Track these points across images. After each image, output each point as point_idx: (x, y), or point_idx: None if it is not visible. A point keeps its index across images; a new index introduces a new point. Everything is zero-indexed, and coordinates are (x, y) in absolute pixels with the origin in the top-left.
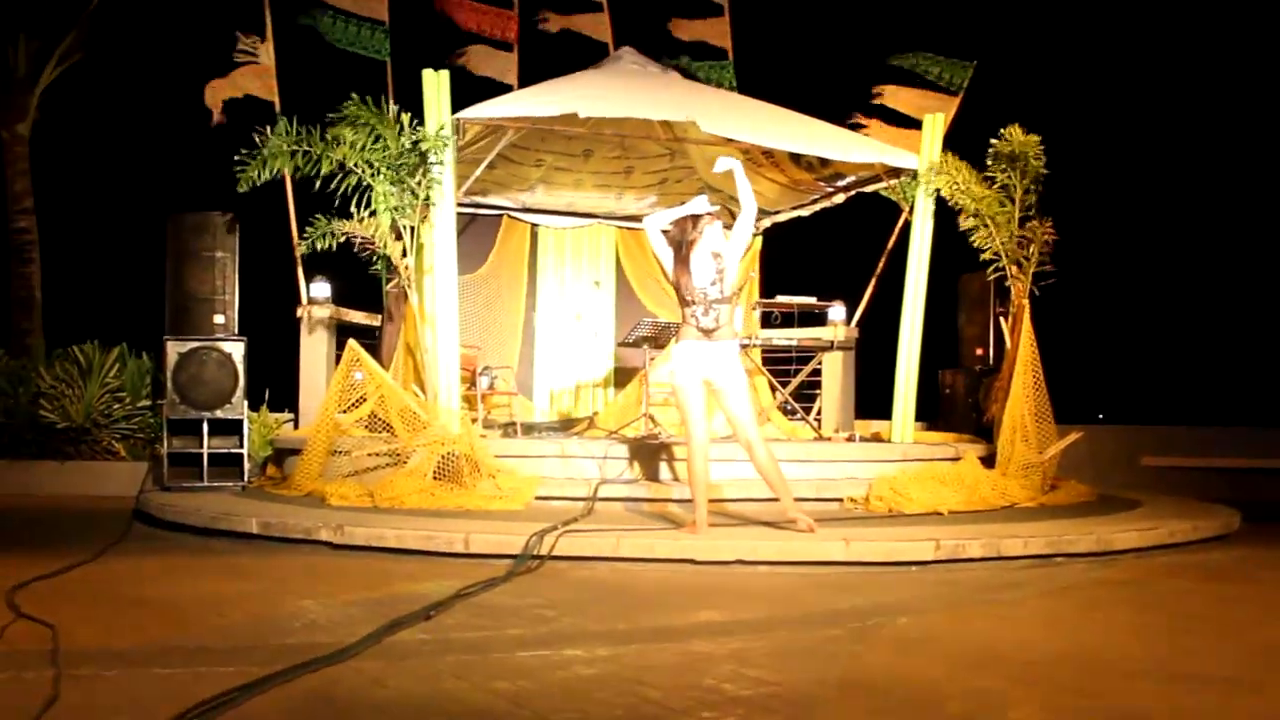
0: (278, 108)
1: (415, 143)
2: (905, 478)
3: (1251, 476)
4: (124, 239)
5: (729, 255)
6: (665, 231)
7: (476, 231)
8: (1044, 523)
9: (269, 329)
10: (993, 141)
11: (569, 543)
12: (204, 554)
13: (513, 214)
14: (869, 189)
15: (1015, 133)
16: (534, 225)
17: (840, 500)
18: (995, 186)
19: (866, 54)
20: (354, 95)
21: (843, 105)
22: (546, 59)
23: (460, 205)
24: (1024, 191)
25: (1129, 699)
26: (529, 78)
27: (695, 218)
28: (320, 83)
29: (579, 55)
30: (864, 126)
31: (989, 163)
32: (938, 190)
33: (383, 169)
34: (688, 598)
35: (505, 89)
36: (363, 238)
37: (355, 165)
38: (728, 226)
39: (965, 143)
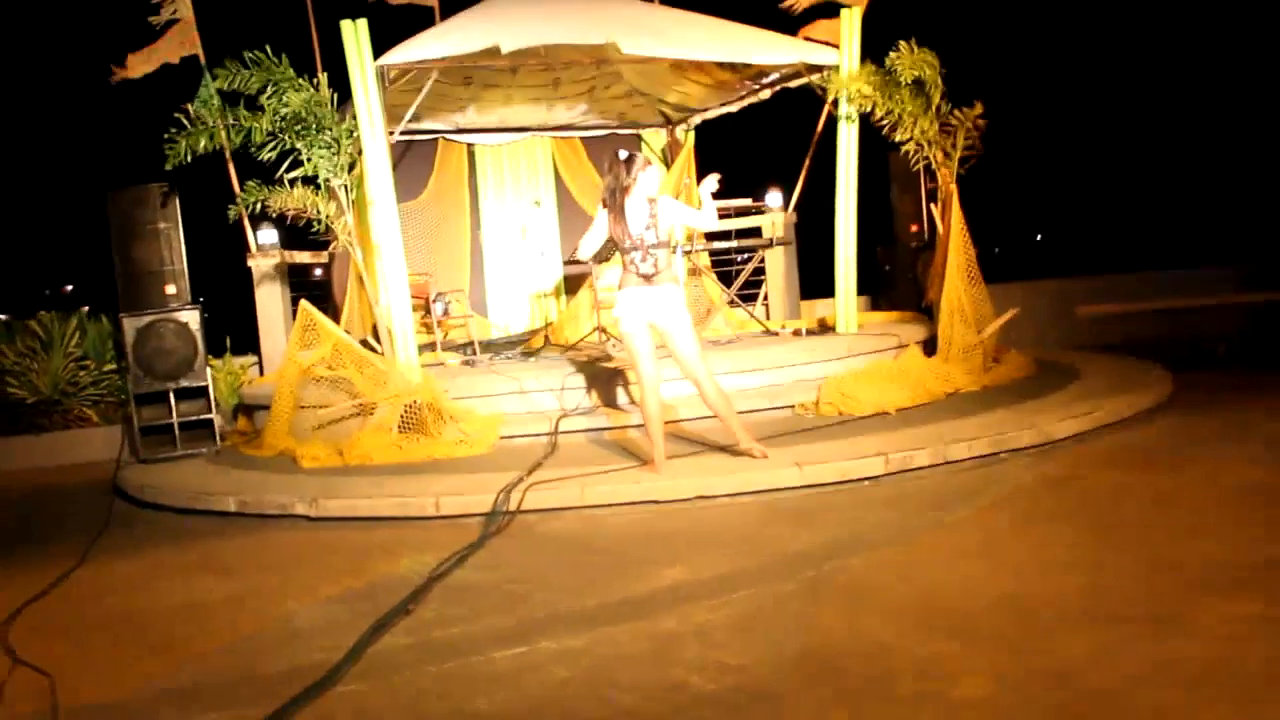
0: (203, 60)
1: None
2: (852, 379)
3: (1177, 314)
4: (59, 210)
5: (664, 205)
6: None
7: (414, 157)
8: (988, 415)
9: (223, 274)
10: (889, 58)
11: (535, 496)
12: (186, 541)
13: (447, 136)
14: (794, 84)
15: (906, 55)
16: (470, 145)
17: (792, 407)
18: (908, 84)
19: None
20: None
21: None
22: None
23: (393, 131)
24: (939, 93)
25: (1065, 653)
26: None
27: (628, 163)
28: (241, 28)
29: None
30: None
31: (888, 77)
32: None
33: (311, 137)
34: (653, 549)
35: (426, 12)
36: (295, 210)
37: (279, 133)
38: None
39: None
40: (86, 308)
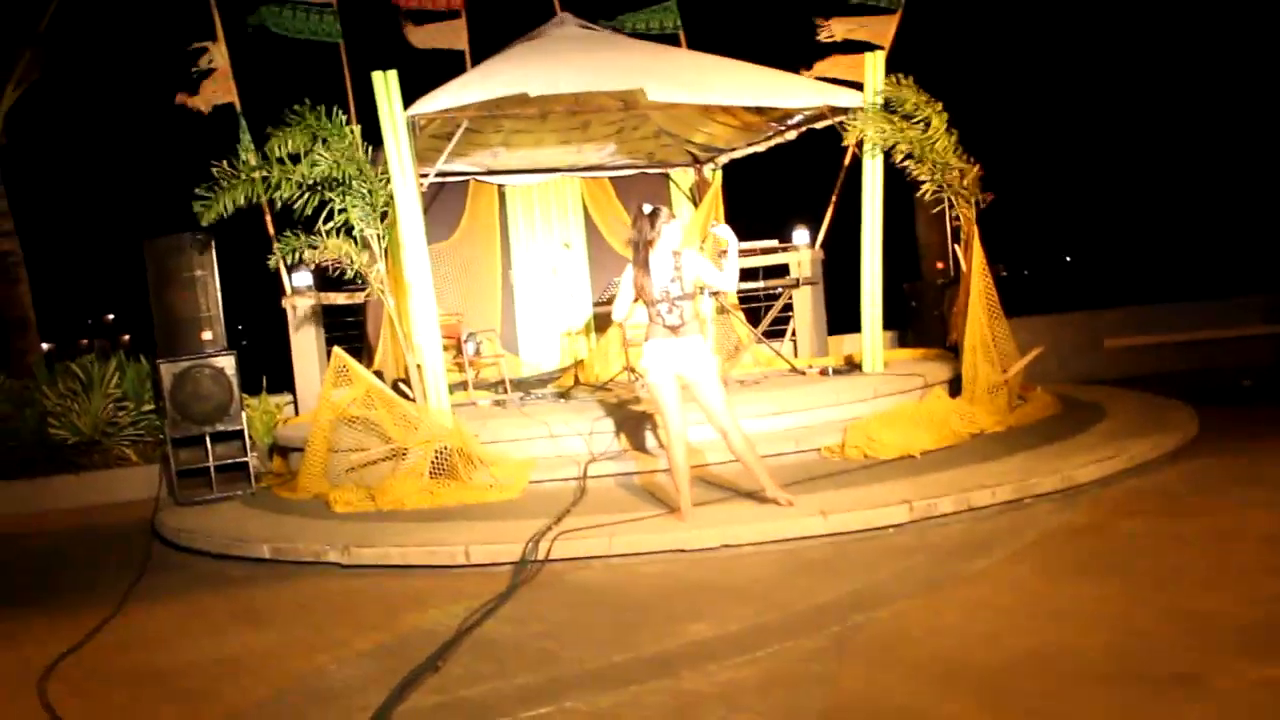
0: (238, 108)
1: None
2: (878, 421)
3: (1204, 346)
4: (99, 252)
5: (687, 259)
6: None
7: (446, 198)
8: (1012, 459)
9: (260, 313)
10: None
11: (564, 545)
12: (220, 588)
13: (479, 178)
14: (819, 125)
15: (909, 94)
16: (500, 186)
17: (818, 450)
18: (920, 122)
19: None
20: (309, 103)
21: (788, 33)
22: (490, 16)
23: (425, 174)
24: (943, 125)
25: (1084, 713)
26: (480, 37)
27: (652, 217)
28: (279, 75)
29: (528, 11)
30: (828, 28)
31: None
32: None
33: (345, 188)
34: (679, 603)
35: (457, 56)
36: (331, 261)
37: (316, 185)
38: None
39: (916, 50)
40: (127, 337)
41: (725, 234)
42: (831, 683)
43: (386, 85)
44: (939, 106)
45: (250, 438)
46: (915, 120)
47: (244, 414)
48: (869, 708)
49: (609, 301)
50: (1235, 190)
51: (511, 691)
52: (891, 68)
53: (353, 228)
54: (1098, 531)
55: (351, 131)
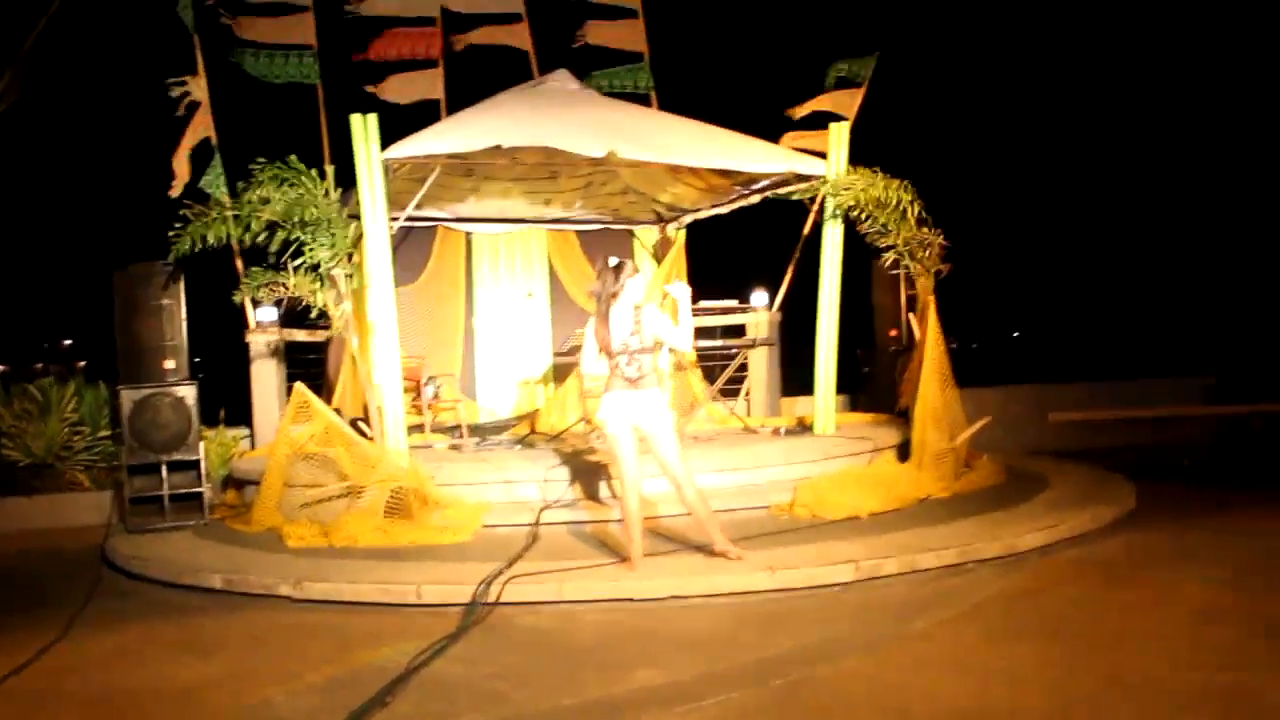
0: (214, 141)
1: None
2: (827, 482)
3: (1145, 424)
4: (60, 276)
5: (647, 314)
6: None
7: (413, 242)
8: (956, 524)
9: (221, 346)
10: (863, 190)
11: (515, 589)
12: (170, 617)
13: (447, 224)
14: (782, 191)
15: (879, 184)
16: (468, 234)
17: (768, 507)
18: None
19: (778, 47)
20: (287, 159)
21: (754, 96)
22: (471, 69)
23: (395, 218)
24: (910, 199)
25: None
26: (455, 89)
27: (616, 270)
28: (256, 107)
29: (502, 64)
30: (781, 135)
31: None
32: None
33: (314, 228)
34: (628, 650)
35: (434, 105)
36: (295, 296)
37: (284, 224)
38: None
39: (876, 125)
40: (83, 363)
41: (678, 292)
42: None
43: (365, 129)
44: (906, 183)
45: (205, 470)
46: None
47: (201, 445)
48: None
49: (569, 352)
50: (1183, 275)
51: None
52: (855, 141)
53: (319, 265)
54: (1038, 597)
55: (324, 175)
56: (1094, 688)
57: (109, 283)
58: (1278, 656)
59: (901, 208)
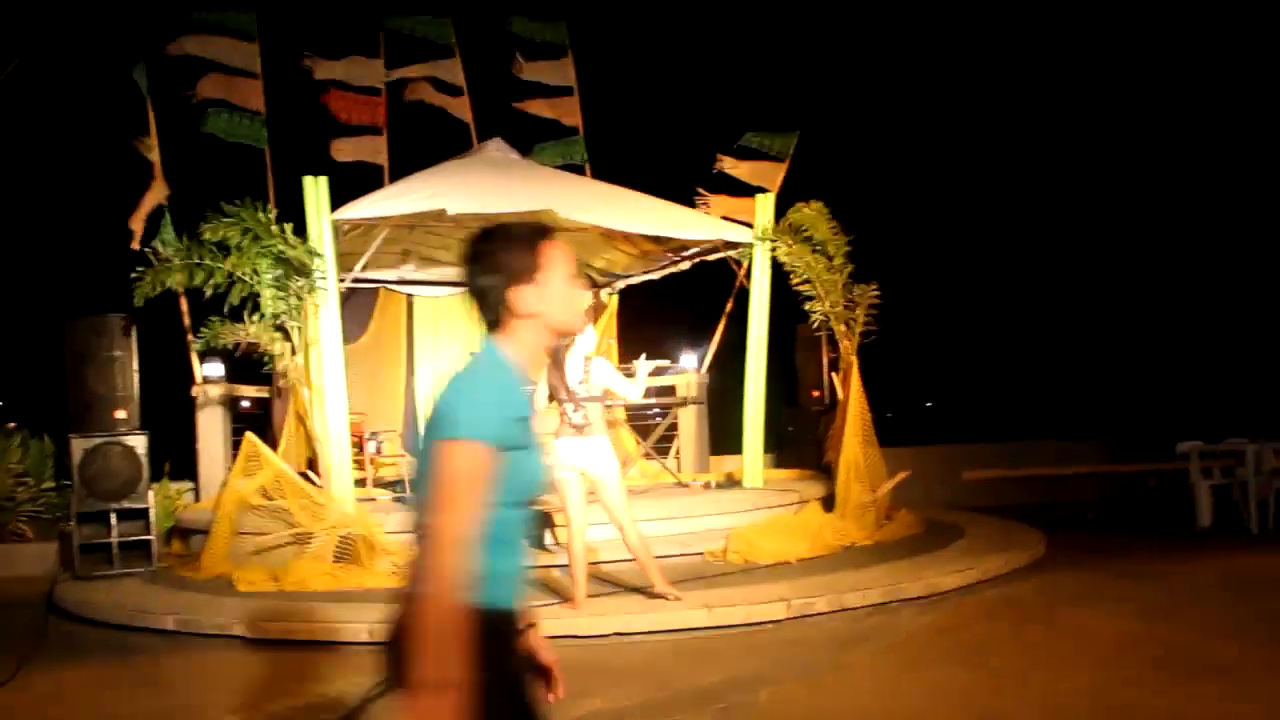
0: (164, 199)
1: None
2: (757, 530)
3: (1052, 481)
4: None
5: (597, 365)
6: None
7: (356, 302)
8: (880, 567)
9: (164, 400)
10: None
11: None
12: (125, 657)
13: (389, 286)
14: (711, 257)
15: (803, 211)
16: (409, 296)
17: (701, 554)
18: (816, 252)
19: (705, 122)
20: (246, 202)
21: (684, 171)
22: (414, 135)
23: (343, 278)
24: (842, 258)
25: None
26: (398, 153)
27: None
28: (203, 169)
29: (443, 132)
30: (706, 201)
31: (783, 236)
32: (774, 259)
33: (266, 277)
34: (575, 681)
35: (378, 169)
36: (250, 344)
37: (244, 274)
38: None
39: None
40: (13, 424)
41: (644, 369)
42: None
43: (317, 190)
44: (842, 242)
45: (153, 517)
46: (818, 251)
47: (150, 493)
48: None
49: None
50: (1084, 344)
51: None
52: (780, 208)
53: (278, 316)
54: (959, 632)
55: (283, 229)
56: (1017, 710)
57: (49, 335)
58: (1169, 679)
59: (834, 257)
